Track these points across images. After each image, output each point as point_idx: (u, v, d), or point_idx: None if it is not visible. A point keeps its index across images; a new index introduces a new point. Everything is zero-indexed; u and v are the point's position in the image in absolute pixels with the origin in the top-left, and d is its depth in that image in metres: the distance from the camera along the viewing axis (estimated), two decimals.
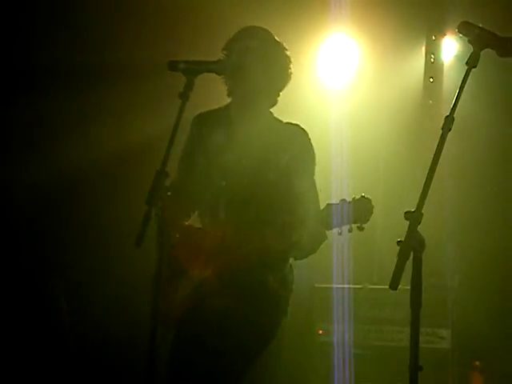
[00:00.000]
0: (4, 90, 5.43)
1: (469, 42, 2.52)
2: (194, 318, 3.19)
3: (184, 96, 2.97)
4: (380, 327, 4.98)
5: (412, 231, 2.36)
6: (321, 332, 5.09)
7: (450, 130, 2.47)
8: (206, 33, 5.62)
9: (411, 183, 5.70)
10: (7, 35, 5.50)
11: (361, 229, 3.00)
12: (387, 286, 4.87)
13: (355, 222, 2.99)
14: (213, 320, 3.15)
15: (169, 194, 3.08)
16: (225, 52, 3.33)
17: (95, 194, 5.73)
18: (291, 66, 3.38)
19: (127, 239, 2.96)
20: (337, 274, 5.55)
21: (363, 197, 3.04)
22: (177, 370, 3.21)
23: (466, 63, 2.50)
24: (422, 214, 2.38)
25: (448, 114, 2.48)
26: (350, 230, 3.00)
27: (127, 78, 5.62)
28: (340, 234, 3.00)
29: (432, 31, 6.33)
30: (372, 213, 3.01)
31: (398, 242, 2.37)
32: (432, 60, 6.31)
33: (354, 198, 3.02)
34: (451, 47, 6.27)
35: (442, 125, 2.49)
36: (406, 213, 2.40)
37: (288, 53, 3.39)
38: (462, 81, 2.47)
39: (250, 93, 3.30)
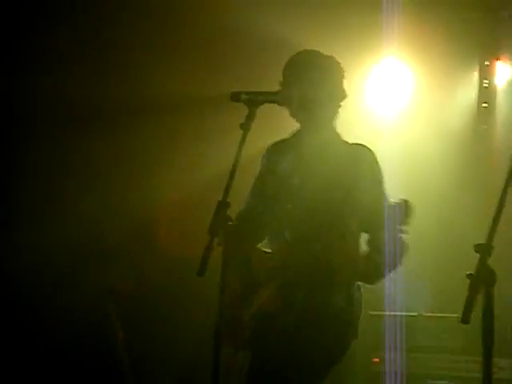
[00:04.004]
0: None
1: None
2: (264, 337, 3.21)
3: (246, 127, 3.02)
4: (436, 356, 4.91)
5: (482, 264, 2.34)
6: (376, 360, 5.02)
7: None
8: (260, 61, 5.66)
9: (463, 210, 5.63)
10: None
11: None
12: (441, 314, 4.79)
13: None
14: (281, 338, 3.17)
15: (230, 223, 3.11)
16: (284, 81, 3.35)
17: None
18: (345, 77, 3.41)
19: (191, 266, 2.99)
20: (389, 300, 5.49)
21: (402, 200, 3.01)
22: None
23: None
24: (493, 247, 2.35)
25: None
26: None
27: (183, 113, 5.70)
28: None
29: (485, 56, 6.29)
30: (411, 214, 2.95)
31: (468, 276, 2.34)
32: (485, 85, 6.27)
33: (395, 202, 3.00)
34: (505, 72, 6.22)
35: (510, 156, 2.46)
36: (476, 245, 2.38)
37: (341, 66, 3.42)
38: None
39: (315, 119, 3.34)
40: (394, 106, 6.47)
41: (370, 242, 3.23)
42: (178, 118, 5.69)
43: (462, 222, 5.32)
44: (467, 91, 6.31)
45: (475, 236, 2.96)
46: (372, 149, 3.38)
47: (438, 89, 6.30)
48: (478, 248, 2.36)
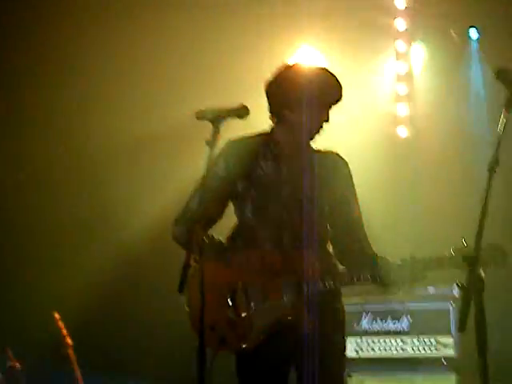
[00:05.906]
0: None
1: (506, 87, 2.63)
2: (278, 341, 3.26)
3: (212, 143, 3.05)
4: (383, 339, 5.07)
5: (472, 275, 2.45)
6: None
7: (495, 171, 2.56)
8: None
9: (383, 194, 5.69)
10: None
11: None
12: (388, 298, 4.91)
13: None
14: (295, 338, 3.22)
15: (206, 240, 3.17)
16: (293, 102, 3.32)
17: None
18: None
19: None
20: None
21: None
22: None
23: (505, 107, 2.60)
24: (480, 258, 2.47)
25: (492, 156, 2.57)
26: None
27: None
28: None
29: (400, 39, 6.39)
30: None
31: (460, 287, 2.45)
32: (402, 68, 6.41)
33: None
34: (420, 55, 6.37)
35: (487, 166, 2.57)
36: (464, 257, 2.49)
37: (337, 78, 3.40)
38: (504, 125, 2.58)
39: (296, 134, 3.38)
40: None
41: (361, 250, 3.32)
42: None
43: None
44: (384, 73, 6.41)
45: None
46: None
47: (355, 72, 6.37)
48: (467, 260, 2.47)
